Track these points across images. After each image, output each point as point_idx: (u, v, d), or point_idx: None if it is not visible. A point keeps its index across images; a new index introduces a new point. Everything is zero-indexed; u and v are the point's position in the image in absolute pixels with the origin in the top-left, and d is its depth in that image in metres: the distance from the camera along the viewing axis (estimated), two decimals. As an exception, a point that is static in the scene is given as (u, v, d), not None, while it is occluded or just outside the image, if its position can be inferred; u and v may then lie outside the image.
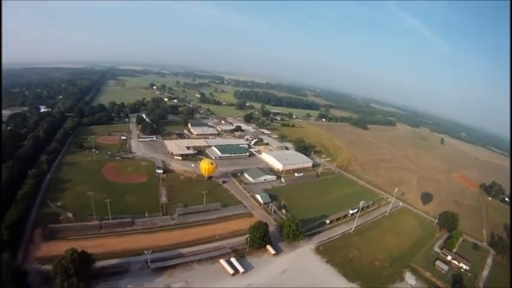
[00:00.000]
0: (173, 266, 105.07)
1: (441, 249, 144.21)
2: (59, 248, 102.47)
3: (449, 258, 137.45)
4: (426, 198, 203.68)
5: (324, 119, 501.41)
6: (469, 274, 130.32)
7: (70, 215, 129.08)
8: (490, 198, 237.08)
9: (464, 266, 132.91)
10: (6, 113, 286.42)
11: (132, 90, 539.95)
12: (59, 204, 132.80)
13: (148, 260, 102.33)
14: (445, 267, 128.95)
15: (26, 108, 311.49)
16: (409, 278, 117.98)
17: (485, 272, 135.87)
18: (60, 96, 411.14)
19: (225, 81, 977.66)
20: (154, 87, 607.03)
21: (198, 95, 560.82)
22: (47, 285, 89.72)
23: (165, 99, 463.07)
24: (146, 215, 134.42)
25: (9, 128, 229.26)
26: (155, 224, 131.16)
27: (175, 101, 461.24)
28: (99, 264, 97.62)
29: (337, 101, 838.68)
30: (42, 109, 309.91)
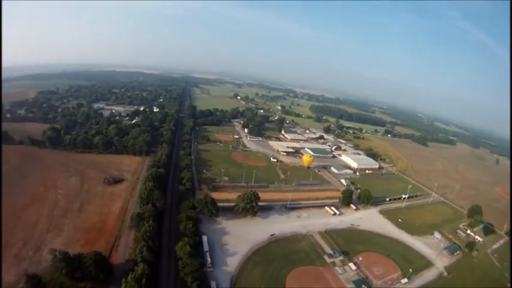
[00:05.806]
0: (299, 208, 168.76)
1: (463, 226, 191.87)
2: (223, 195, 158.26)
3: (468, 231, 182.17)
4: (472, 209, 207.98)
5: (389, 135, 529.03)
6: (481, 243, 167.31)
7: (226, 178, 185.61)
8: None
9: (479, 238, 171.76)
10: (119, 109, 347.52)
11: (218, 99, 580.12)
12: (222, 169, 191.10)
13: (288, 203, 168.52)
14: (464, 234, 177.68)
15: (135, 107, 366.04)
16: (437, 234, 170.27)
17: (495, 246, 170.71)
18: (161, 99, 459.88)
19: (298, 95, 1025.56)
20: (239, 97, 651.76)
21: (279, 107, 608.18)
22: (223, 212, 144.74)
23: (253, 109, 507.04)
24: (275, 183, 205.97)
25: (134, 121, 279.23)
26: (281, 188, 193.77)
27: (262, 111, 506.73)
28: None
29: (402, 119, 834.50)
30: (155, 109, 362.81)
